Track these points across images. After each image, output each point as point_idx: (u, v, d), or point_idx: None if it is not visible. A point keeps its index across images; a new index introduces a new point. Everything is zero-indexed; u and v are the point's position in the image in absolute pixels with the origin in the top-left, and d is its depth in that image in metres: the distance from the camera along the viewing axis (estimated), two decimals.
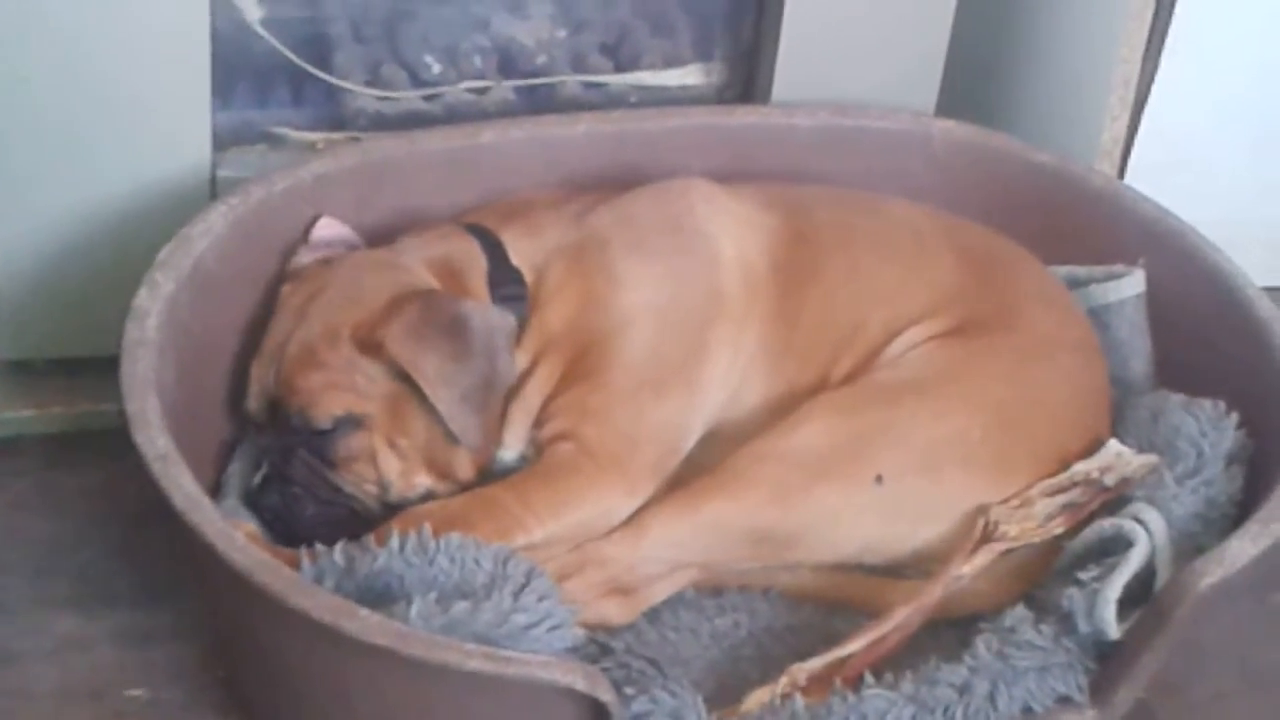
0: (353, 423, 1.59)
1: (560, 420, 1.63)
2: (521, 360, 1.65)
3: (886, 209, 1.82)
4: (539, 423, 1.65)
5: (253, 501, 1.60)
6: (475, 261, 1.68)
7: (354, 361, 1.58)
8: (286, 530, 1.58)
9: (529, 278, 1.68)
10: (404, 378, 1.58)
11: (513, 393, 1.65)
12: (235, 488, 1.64)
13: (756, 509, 1.60)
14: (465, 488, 1.62)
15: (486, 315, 1.61)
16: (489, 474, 1.64)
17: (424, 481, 1.61)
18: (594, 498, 1.59)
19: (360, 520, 1.59)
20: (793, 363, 1.70)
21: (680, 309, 1.67)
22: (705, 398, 1.67)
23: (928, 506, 1.62)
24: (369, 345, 1.58)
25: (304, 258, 1.71)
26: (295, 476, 1.60)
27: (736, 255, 1.71)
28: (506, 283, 1.67)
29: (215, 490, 1.64)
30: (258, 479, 1.61)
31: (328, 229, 1.75)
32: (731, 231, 1.73)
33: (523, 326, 1.66)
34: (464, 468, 1.62)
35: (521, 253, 1.69)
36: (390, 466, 1.60)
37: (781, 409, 1.66)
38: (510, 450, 1.66)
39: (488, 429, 1.60)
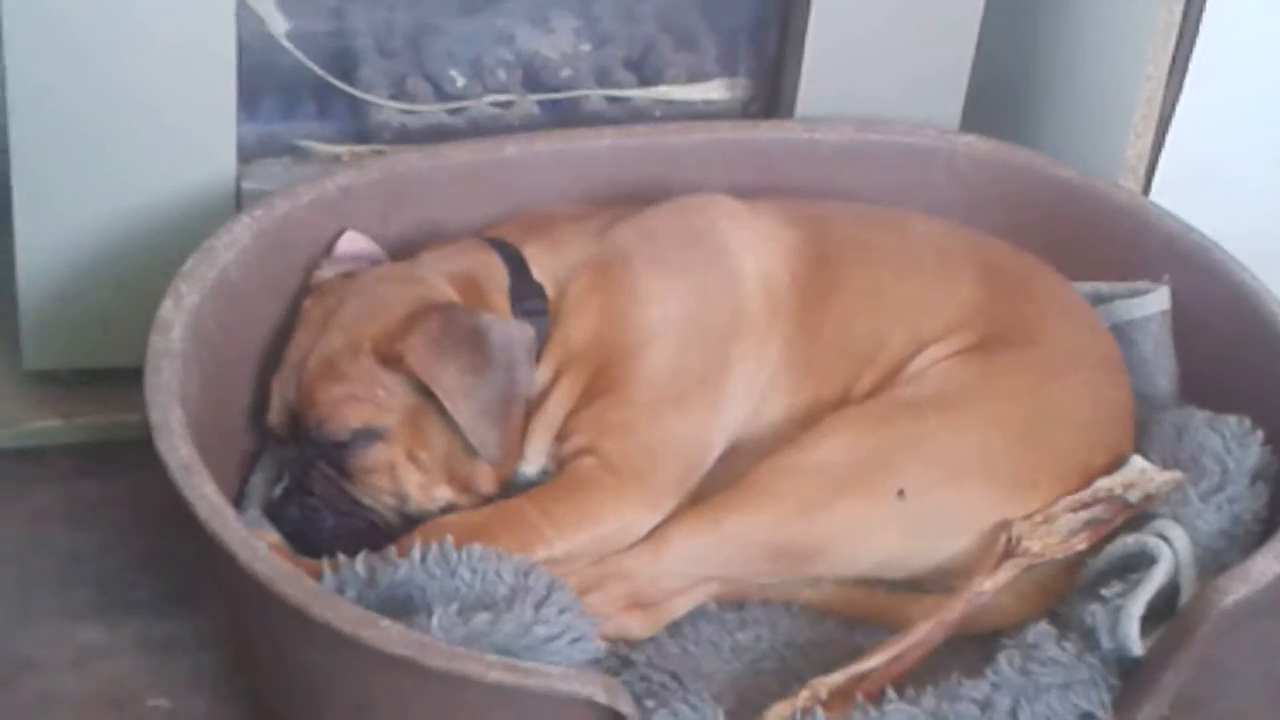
0: (371, 435, 1.59)
1: (582, 435, 1.63)
2: (543, 375, 1.65)
3: (908, 224, 1.82)
4: (560, 437, 1.65)
5: (273, 513, 1.61)
6: (497, 275, 1.68)
7: (374, 374, 1.58)
8: (306, 542, 1.58)
9: (550, 292, 1.68)
10: (424, 390, 1.58)
11: (534, 407, 1.65)
12: (257, 498, 1.64)
13: (777, 523, 1.59)
14: (487, 501, 1.62)
15: (505, 328, 1.61)
16: (511, 488, 1.64)
17: (444, 494, 1.62)
18: (616, 512, 1.59)
19: (380, 533, 1.59)
20: (815, 378, 1.70)
21: (702, 324, 1.67)
22: (727, 413, 1.67)
23: (949, 522, 1.62)
24: (389, 358, 1.58)
25: (326, 271, 1.72)
26: (314, 489, 1.60)
27: (758, 271, 1.71)
28: (528, 297, 1.68)
29: (238, 500, 1.64)
30: (278, 491, 1.61)
31: (351, 243, 1.75)
32: (753, 247, 1.73)
33: (544, 341, 1.66)
34: (485, 481, 1.62)
35: (543, 267, 1.70)
36: (410, 479, 1.60)
37: (804, 424, 1.66)
38: (532, 465, 1.66)
39: (507, 442, 1.60)
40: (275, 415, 1.63)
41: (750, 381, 1.68)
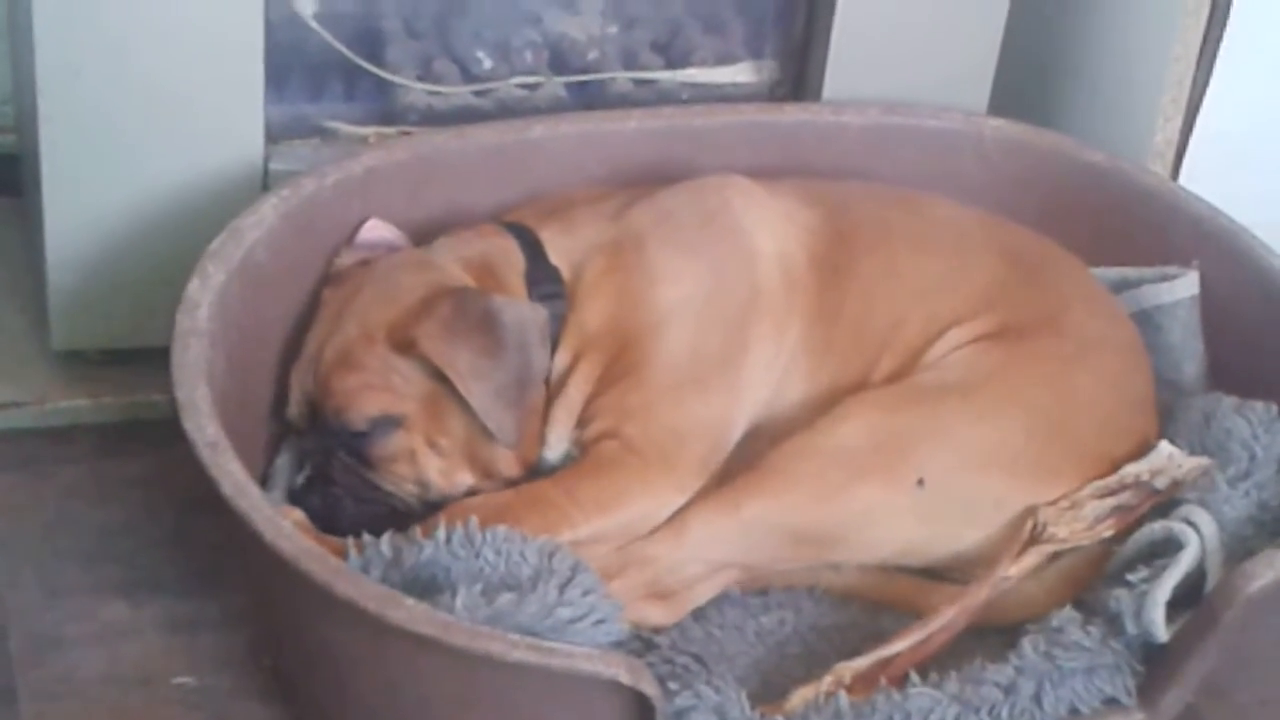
0: (390, 423, 1.59)
1: (603, 420, 1.63)
2: (562, 359, 1.65)
3: (927, 207, 1.81)
4: (582, 422, 1.65)
5: (296, 501, 1.60)
6: (513, 260, 1.68)
7: (390, 362, 1.58)
8: (330, 530, 1.58)
9: (567, 275, 1.68)
10: (440, 376, 1.58)
11: (554, 392, 1.65)
12: (282, 482, 1.65)
13: (797, 507, 1.59)
14: (511, 485, 1.62)
15: (518, 309, 1.61)
16: (534, 474, 1.64)
17: (466, 480, 1.61)
18: (641, 493, 1.59)
19: (402, 518, 1.58)
20: (834, 360, 1.69)
21: (718, 304, 1.67)
22: (747, 393, 1.67)
23: (969, 509, 1.61)
24: (402, 343, 1.58)
25: (346, 259, 1.72)
26: (336, 478, 1.60)
27: (775, 250, 1.71)
28: (544, 281, 1.67)
29: (264, 480, 1.64)
30: (300, 479, 1.62)
31: (374, 231, 1.75)
32: (769, 226, 1.72)
33: (561, 325, 1.66)
34: (507, 465, 1.62)
35: (559, 250, 1.69)
36: (430, 465, 1.60)
37: (823, 407, 1.65)
38: (554, 450, 1.66)
39: (524, 424, 1.60)
40: (295, 406, 1.63)
41: (769, 363, 1.68)
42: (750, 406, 1.67)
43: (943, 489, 1.60)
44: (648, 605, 1.58)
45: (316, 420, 1.61)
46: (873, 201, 1.80)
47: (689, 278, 1.67)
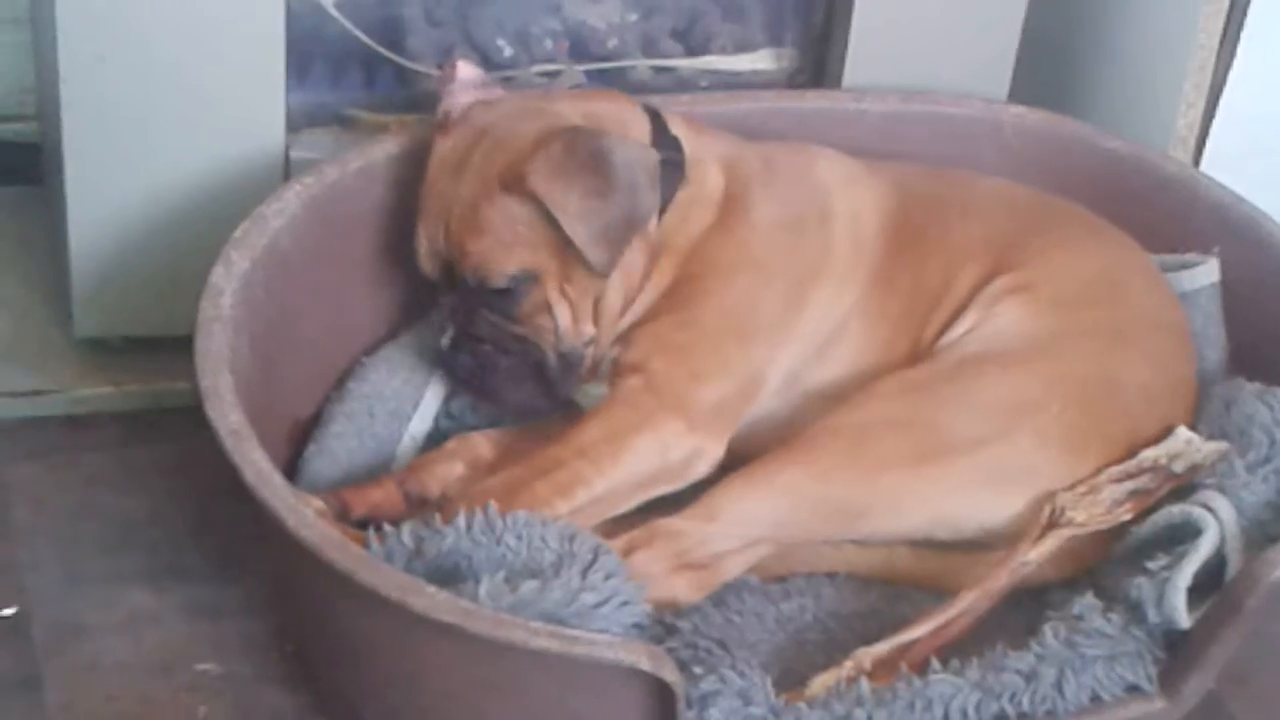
0: (528, 277, 1.62)
1: (638, 348, 1.65)
2: (640, 259, 1.66)
3: (982, 181, 1.84)
4: (623, 340, 1.66)
5: (445, 362, 1.65)
6: (636, 122, 1.70)
7: (513, 212, 1.60)
8: (480, 388, 1.64)
9: (688, 154, 1.70)
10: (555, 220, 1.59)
11: (632, 290, 1.66)
12: (423, 346, 1.69)
13: (829, 478, 1.59)
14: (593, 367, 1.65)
15: (629, 149, 1.62)
16: (583, 397, 1.66)
17: (588, 330, 1.65)
18: (651, 434, 1.60)
19: (544, 374, 1.64)
20: (887, 326, 1.71)
21: (790, 262, 1.70)
22: (790, 350, 1.68)
23: (1000, 477, 1.61)
24: (515, 183, 1.59)
25: (454, 101, 1.70)
26: (482, 334, 1.63)
27: (849, 212, 1.74)
28: (666, 147, 1.68)
29: (289, 469, 1.65)
30: (446, 340, 1.65)
31: (463, 71, 1.73)
32: (847, 190, 1.76)
33: (670, 201, 1.67)
34: (610, 317, 1.65)
35: (682, 133, 1.71)
36: (564, 314, 1.64)
37: (872, 373, 1.67)
38: (605, 337, 1.67)
39: (624, 260, 1.62)
40: (426, 261, 1.66)
41: (819, 322, 1.70)
42: (787, 364, 1.68)
43: (974, 457, 1.60)
44: (676, 578, 1.58)
45: (454, 278, 1.63)
46: (929, 177, 1.83)
47: (775, 232, 1.70)
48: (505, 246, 1.61)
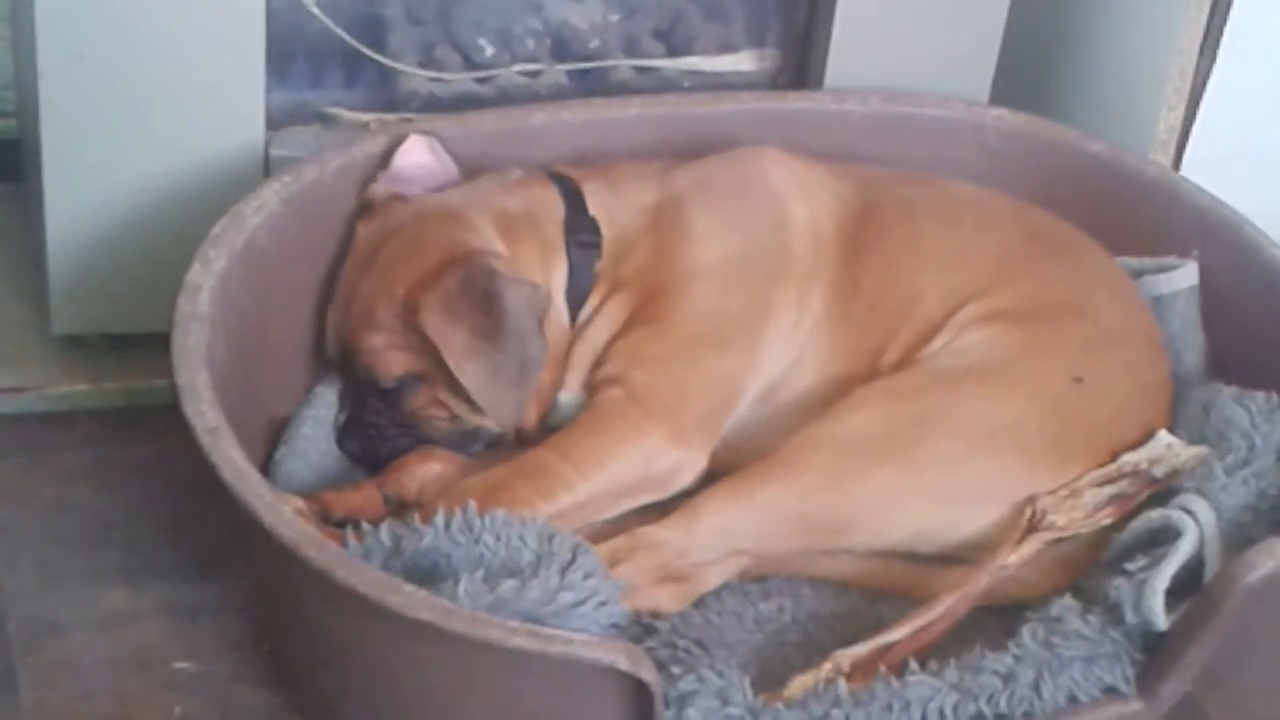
0: (414, 380, 1.64)
1: (615, 363, 1.65)
2: (591, 304, 1.69)
3: (951, 187, 1.84)
4: (598, 363, 1.67)
5: (338, 441, 1.69)
6: (552, 208, 1.71)
7: (407, 323, 1.62)
8: (371, 466, 1.67)
9: (606, 230, 1.71)
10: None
11: (578, 335, 1.68)
12: (326, 410, 1.71)
13: (811, 494, 1.59)
14: (521, 437, 1.66)
15: (518, 291, 1.62)
16: (552, 415, 1.68)
17: (490, 422, 1.65)
18: (636, 443, 1.60)
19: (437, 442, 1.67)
20: (853, 331, 1.71)
21: (748, 268, 1.70)
22: (763, 357, 1.68)
23: (982, 493, 1.61)
24: (406, 310, 1.61)
25: (381, 188, 1.73)
26: (371, 420, 1.67)
27: (806, 217, 1.74)
28: (582, 230, 1.70)
29: (265, 466, 1.65)
30: (340, 420, 1.69)
31: (410, 153, 1.75)
32: (802, 195, 1.75)
33: (595, 277, 1.69)
34: (541, 393, 1.66)
35: (600, 205, 1.73)
36: (459, 407, 1.65)
37: (841, 379, 1.67)
38: (570, 392, 1.69)
39: (523, 405, 1.63)
40: (331, 348, 1.69)
41: (791, 328, 1.70)
42: (764, 371, 1.68)
43: (956, 471, 1.60)
44: (657, 590, 1.58)
45: (349, 367, 1.66)
46: (898, 180, 1.83)
47: (723, 241, 1.70)
48: (395, 349, 1.63)
